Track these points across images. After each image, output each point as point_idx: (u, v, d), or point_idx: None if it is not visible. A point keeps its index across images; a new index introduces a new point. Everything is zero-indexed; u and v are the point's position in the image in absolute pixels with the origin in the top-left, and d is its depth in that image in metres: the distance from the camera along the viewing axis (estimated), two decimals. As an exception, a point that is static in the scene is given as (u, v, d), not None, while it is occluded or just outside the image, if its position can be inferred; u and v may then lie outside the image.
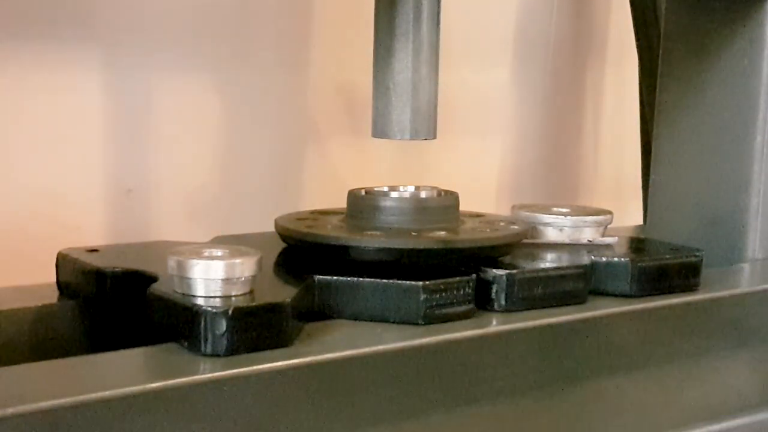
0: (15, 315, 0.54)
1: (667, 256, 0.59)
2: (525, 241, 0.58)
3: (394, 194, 0.58)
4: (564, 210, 0.62)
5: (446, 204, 0.58)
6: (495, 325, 0.52)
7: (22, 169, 0.74)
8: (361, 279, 0.50)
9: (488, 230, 0.56)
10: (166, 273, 0.47)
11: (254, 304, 0.45)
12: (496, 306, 0.53)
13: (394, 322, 0.50)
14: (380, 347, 0.47)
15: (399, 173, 0.90)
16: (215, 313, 0.43)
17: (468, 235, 0.55)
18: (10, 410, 0.36)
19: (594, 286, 0.57)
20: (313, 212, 0.60)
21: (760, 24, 0.69)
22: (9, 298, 0.55)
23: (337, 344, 0.47)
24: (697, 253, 0.60)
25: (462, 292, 0.51)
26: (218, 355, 0.43)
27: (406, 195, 0.58)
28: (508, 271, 0.53)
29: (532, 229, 0.61)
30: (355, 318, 0.50)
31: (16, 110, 0.73)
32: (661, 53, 0.76)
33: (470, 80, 0.97)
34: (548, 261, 0.57)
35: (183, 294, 0.45)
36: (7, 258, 0.71)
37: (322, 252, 0.53)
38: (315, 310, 0.50)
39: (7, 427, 0.36)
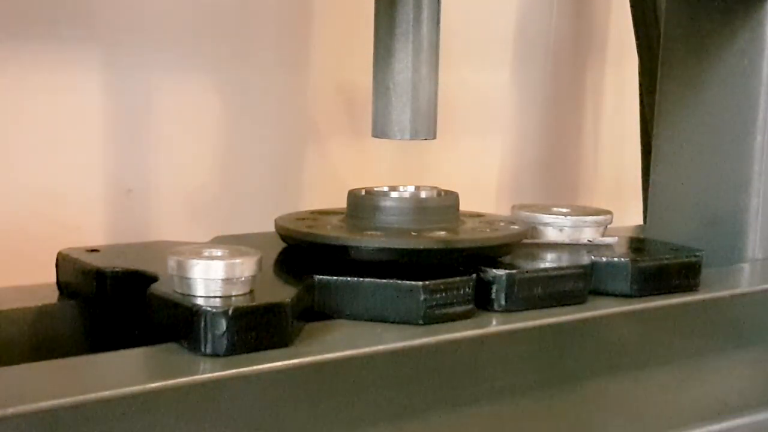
0: (15, 315, 0.54)
1: (667, 256, 0.59)
2: (525, 241, 0.58)
3: (394, 194, 0.58)
4: (564, 210, 0.62)
5: (446, 204, 0.58)
6: (495, 325, 0.52)
7: (22, 169, 0.74)
8: (361, 279, 0.50)
9: (488, 230, 0.56)
10: (166, 273, 0.47)
11: (254, 304, 0.45)
12: (496, 306, 0.53)
13: (394, 322, 0.50)
14: (380, 347, 0.47)
15: (399, 173, 0.90)
16: (215, 313, 0.43)
17: (468, 235, 0.55)
18: (10, 410, 0.36)
19: (594, 286, 0.57)
20: (313, 212, 0.60)
21: (760, 24, 0.69)
22: (9, 298, 0.55)
23: (337, 344, 0.47)
24: (697, 253, 0.60)
25: (462, 292, 0.51)
26: (218, 355, 0.43)
27: (406, 195, 0.58)
28: (508, 271, 0.53)
29: (532, 229, 0.61)
30: (355, 318, 0.50)
31: (16, 110, 0.73)
32: (661, 53, 0.76)
33: (470, 80, 0.97)
34: (548, 261, 0.57)
35: (183, 294, 0.45)
36: (7, 258, 0.71)
37: (322, 252, 0.53)
38: (315, 310, 0.50)
39: (7, 427, 0.36)
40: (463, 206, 0.59)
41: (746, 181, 0.70)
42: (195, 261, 0.45)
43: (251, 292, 0.46)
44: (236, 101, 0.84)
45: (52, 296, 0.57)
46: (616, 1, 1.07)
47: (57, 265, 0.57)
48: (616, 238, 0.62)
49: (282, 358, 0.44)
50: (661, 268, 0.59)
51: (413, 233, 0.54)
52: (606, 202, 0.96)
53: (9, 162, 0.73)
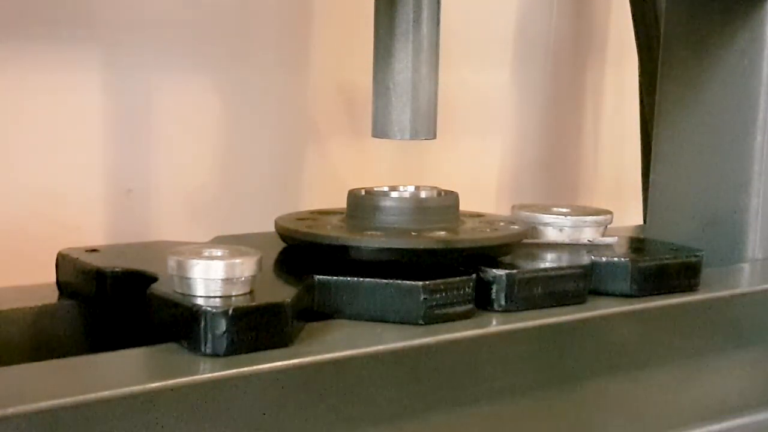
0: (15, 315, 0.54)
1: (667, 256, 0.59)
2: (525, 241, 0.58)
3: (394, 194, 0.58)
4: (564, 210, 0.62)
5: (446, 204, 0.58)
6: (495, 325, 0.52)
7: (22, 169, 0.74)
8: (361, 279, 0.50)
9: (488, 230, 0.56)
10: (166, 273, 0.47)
11: (254, 304, 0.45)
12: (496, 306, 0.53)
13: (394, 322, 0.50)
14: (380, 347, 0.47)
15: (399, 173, 0.90)
16: (215, 313, 0.43)
17: (468, 235, 0.55)
18: (10, 410, 0.36)
19: (594, 286, 0.57)
20: (313, 212, 0.60)
21: (760, 24, 0.69)
22: (9, 298, 0.55)
23: (337, 344, 0.47)
24: (697, 253, 0.60)
25: (462, 292, 0.51)
26: (218, 355, 0.43)
27: (406, 195, 0.58)
28: (508, 271, 0.53)
29: (532, 229, 0.61)
30: (355, 318, 0.50)
31: (16, 110, 0.73)
32: (661, 53, 0.76)
33: (470, 80, 0.97)
34: (548, 261, 0.57)
35: (183, 294, 0.45)
36: (7, 258, 0.71)
37: (322, 252, 0.53)
38: (315, 310, 0.50)
39: (7, 427, 0.36)
40: (463, 206, 0.59)
41: (746, 181, 0.70)
42: (195, 261, 0.45)
43: (251, 292, 0.46)
44: (236, 101, 0.84)
45: (52, 296, 0.57)
46: (616, 1, 1.07)
47: (57, 265, 0.57)
48: (616, 238, 0.62)
49: (282, 358, 0.44)
50: (661, 268, 0.59)
51: (413, 233, 0.54)
52: (606, 202, 0.96)
53: (9, 162, 0.73)
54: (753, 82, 0.70)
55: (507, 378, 0.51)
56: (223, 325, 0.43)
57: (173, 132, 0.80)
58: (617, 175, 1.12)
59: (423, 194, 0.59)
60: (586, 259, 0.58)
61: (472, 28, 0.96)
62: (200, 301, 0.44)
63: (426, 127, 0.57)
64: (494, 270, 0.53)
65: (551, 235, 0.61)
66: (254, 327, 0.44)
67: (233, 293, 0.45)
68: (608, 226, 0.63)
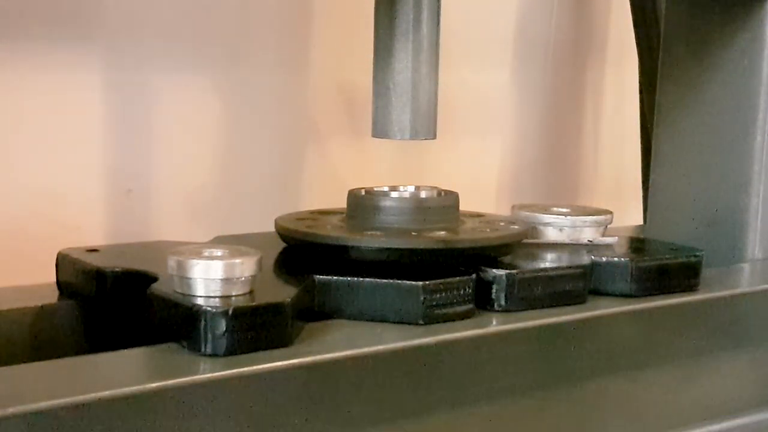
0: (15, 315, 0.54)
1: (667, 256, 0.59)
2: (525, 241, 0.58)
3: (394, 194, 0.58)
4: (564, 210, 0.62)
5: (446, 204, 0.58)
6: (495, 325, 0.52)
7: (22, 169, 0.74)
8: (360, 279, 0.50)
9: (488, 230, 0.56)
10: (166, 273, 0.47)
11: (254, 304, 0.45)
12: (496, 306, 0.53)
13: (393, 322, 0.50)
14: (380, 347, 0.47)
15: (399, 173, 0.90)
16: (215, 313, 0.43)
17: (468, 235, 0.55)
18: (10, 410, 0.36)
19: (594, 286, 0.57)
20: (313, 212, 0.60)
21: (760, 24, 0.69)
22: (9, 298, 0.55)
23: (337, 344, 0.47)
24: (697, 253, 0.60)
25: (462, 292, 0.51)
26: (218, 355, 0.43)
27: (406, 195, 0.58)
28: (508, 271, 0.53)
29: (532, 229, 0.61)
30: (355, 318, 0.50)
31: (16, 110, 0.73)
32: (661, 53, 0.76)
33: (470, 80, 0.97)
34: (548, 261, 0.57)
35: (183, 294, 0.45)
36: (7, 258, 0.71)
37: (322, 252, 0.53)
38: (315, 310, 0.50)
39: (7, 427, 0.36)
40: (463, 206, 0.59)
41: (746, 181, 0.70)
42: (195, 261, 0.45)
43: (251, 292, 0.46)
44: (236, 101, 0.84)
45: (52, 296, 0.57)
46: (616, 1, 1.07)
47: (57, 265, 0.57)
48: (616, 238, 0.62)
49: (282, 358, 0.44)
50: (661, 268, 0.59)
51: (413, 233, 0.54)
52: (606, 202, 0.96)
53: (9, 162, 0.73)
54: (753, 82, 0.70)
55: (507, 378, 0.51)
56: (223, 325, 0.43)
57: (173, 132, 0.80)
58: (617, 175, 1.12)
59: (423, 194, 0.59)
60: (586, 259, 0.58)
61: (472, 28, 0.96)
62: (200, 301, 0.44)
63: (426, 127, 0.57)
64: (494, 270, 0.53)
65: (551, 235, 0.61)
66: (254, 327, 0.44)
67: (233, 293, 0.45)
68: (608, 226, 0.63)
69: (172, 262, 0.46)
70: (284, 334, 0.45)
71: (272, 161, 0.86)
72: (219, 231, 0.62)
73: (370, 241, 0.53)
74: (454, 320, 0.51)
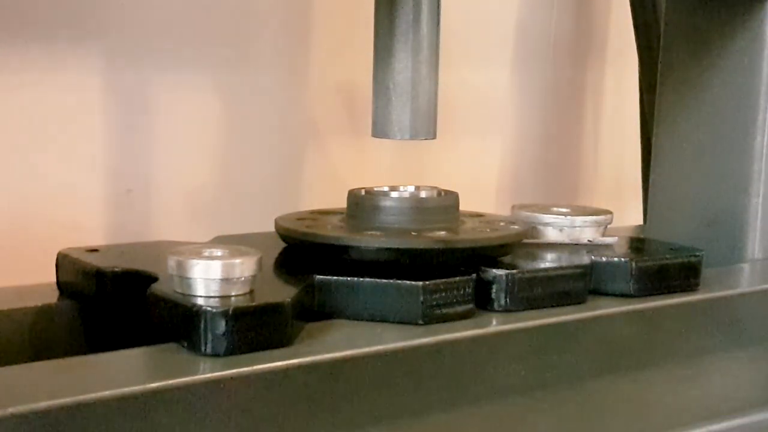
0: (15, 315, 0.54)
1: (667, 256, 0.59)
2: (525, 241, 0.58)
3: (394, 194, 0.58)
4: (564, 210, 0.62)
5: (446, 204, 0.58)
6: (495, 325, 0.52)
7: (23, 169, 0.74)
8: (360, 279, 0.50)
9: (488, 230, 0.56)
10: (166, 273, 0.47)
11: (254, 304, 0.45)
12: (496, 306, 0.53)
13: (393, 322, 0.50)
14: (380, 347, 0.47)
15: (399, 173, 0.90)
16: (215, 313, 0.43)
17: (468, 235, 0.55)
18: (10, 410, 0.36)
19: (594, 286, 0.57)
20: (313, 212, 0.60)
21: (760, 24, 0.69)
22: (9, 298, 0.55)
23: (337, 344, 0.47)
24: (697, 253, 0.60)
25: (462, 292, 0.51)
26: (218, 355, 0.43)
27: (406, 195, 0.58)
28: (508, 271, 0.53)
29: (532, 229, 0.61)
30: (355, 318, 0.50)
31: (16, 110, 0.73)
32: (661, 53, 0.76)
33: (470, 80, 0.97)
34: (548, 261, 0.57)
35: (183, 294, 0.45)
36: (7, 258, 0.71)
37: (322, 252, 0.53)
38: (315, 310, 0.50)
39: (7, 427, 0.36)
40: (463, 206, 0.59)
41: (746, 181, 0.70)
42: (195, 261, 0.45)
43: (251, 292, 0.46)
44: (236, 101, 0.84)
45: (52, 296, 0.57)
46: (616, 1, 1.07)
47: (57, 265, 0.57)
48: (616, 238, 0.62)
49: (282, 358, 0.44)
50: (661, 268, 0.59)
51: (413, 233, 0.54)
52: (606, 202, 0.96)
53: (9, 162, 0.73)
54: (753, 82, 0.70)
55: (507, 378, 0.51)
56: (223, 325, 0.43)
57: (173, 132, 0.80)
58: (617, 175, 1.12)
59: (423, 194, 0.59)
60: (586, 259, 0.58)
61: (472, 28, 0.96)
62: (200, 301, 0.44)
63: (426, 127, 0.57)
64: (494, 270, 0.53)
65: (551, 235, 0.61)
66: (254, 327, 0.44)
67: (233, 293, 0.45)
68: (608, 226, 0.63)
69: (172, 262, 0.46)
70: (284, 334, 0.45)
71: (272, 161, 0.86)
72: (219, 231, 0.62)
73: (370, 241, 0.53)
74: (454, 320, 0.51)
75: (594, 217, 0.62)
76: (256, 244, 0.49)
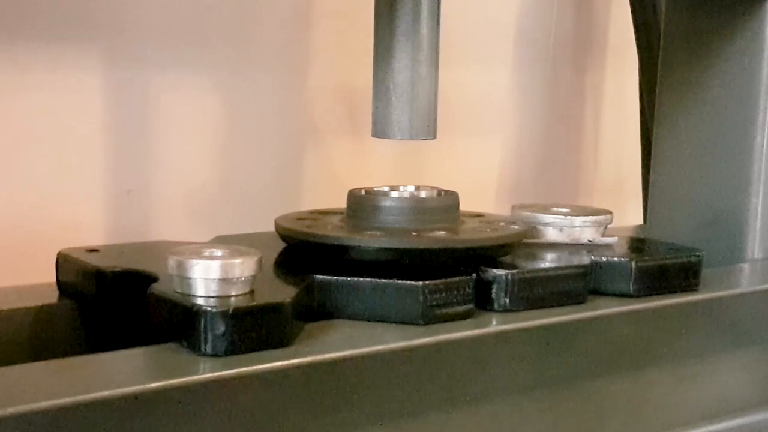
0: (15, 315, 0.54)
1: (667, 256, 0.59)
2: (525, 241, 0.58)
3: (394, 194, 0.58)
4: (564, 210, 0.62)
5: (446, 204, 0.58)
6: (495, 325, 0.52)
7: (23, 169, 0.74)
8: (360, 279, 0.50)
9: (488, 230, 0.56)
10: (166, 273, 0.47)
11: (254, 304, 0.45)
12: (496, 306, 0.53)
13: (393, 322, 0.50)
14: (380, 347, 0.47)
15: (399, 173, 0.90)
16: (215, 313, 0.43)
17: (468, 235, 0.55)
18: (10, 410, 0.36)
19: (594, 286, 0.57)
20: (313, 212, 0.60)
21: (760, 24, 0.69)
22: (9, 298, 0.55)
23: (337, 344, 0.47)
24: (697, 253, 0.60)
25: (462, 292, 0.51)
26: (218, 355, 0.43)
27: (406, 195, 0.58)
28: (508, 271, 0.53)
29: (532, 229, 0.61)
30: (355, 318, 0.50)
31: (16, 110, 0.73)
32: (661, 53, 0.76)
33: (470, 80, 0.97)
34: (548, 261, 0.57)
35: (183, 294, 0.45)
36: (7, 258, 0.71)
37: (322, 252, 0.53)
38: (315, 310, 0.50)
39: (7, 427, 0.36)
40: (463, 206, 0.59)
41: (746, 181, 0.70)
42: (195, 261, 0.45)
43: (251, 292, 0.46)
44: (236, 101, 0.84)
45: (52, 296, 0.57)
46: (616, 1, 1.07)
47: (57, 265, 0.57)
48: (616, 238, 0.62)
49: (282, 358, 0.44)
50: (661, 268, 0.59)
51: (413, 233, 0.54)
52: (606, 202, 0.96)
53: (9, 162, 0.73)
54: (753, 82, 0.70)
55: (507, 378, 0.51)
56: (222, 325, 0.43)
57: (173, 132, 0.80)
58: (617, 175, 1.12)
59: (423, 194, 0.59)
60: (586, 259, 0.58)
61: (472, 28, 0.96)
62: (200, 301, 0.44)
63: (426, 127, 0.57)
64: (494, 270, 0.53)
65: (551, 235, 0.61)
66: (254, 327, 0.44)
67: (233, 293, 0.45)
68: (608, 226, 0.63)
69: (172, 262, 0.46)
70: (284, 334, 0.45)
71: (272, 161, 0.86)
72: (219, 231, 0.62)
73: (370, 241, 0.53)
74: (454, 320, 0.51)
75: (594, 217, 0.62)
76: (256, 244, 0.49)
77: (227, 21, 0.82)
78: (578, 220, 0.61)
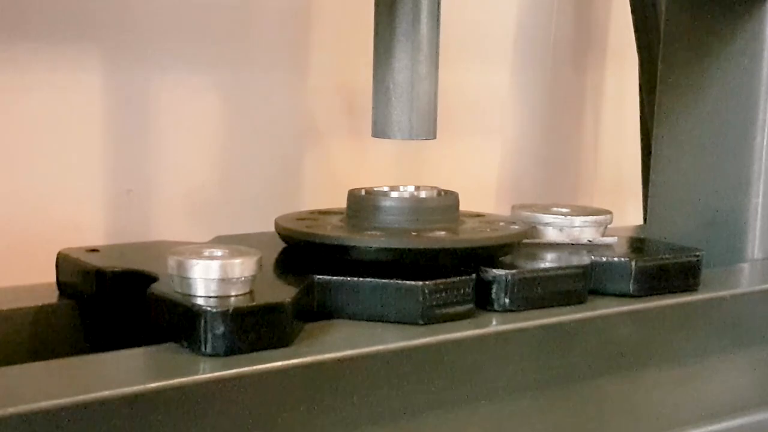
0: (15, 315, 0.54)
1: (667, 256, 0.59)
2: (525, 241, 0.58)
3: (394, 194, 0.58)
4: (564, 210, 0.62)
5: (446, 204, 0.58)
6: (495, 325, 0.52)
7: (23, 169, 0.74)
8: (360, 279, 0.50)
9: (488, 230, 0.56)
10: (166, 273, 0.47)
11: (254, 304, 0.45)
12: (496, 306, 0.53)
13: (393, 322, 0.50)
14: (380, 347, 0.47)
15: (399, 173, 0.90)
16: (215, 313, 0.43)
17: (468, 235, 0.55)
18: (10, 410, 0.36)
19: (594, 286, 0.57)
20: (313, 212, 0.60)
21: (760, 24, 0.69)
22: (9, 298, 0.55)
23: (337, 344, 0.47)
24: (697, 253, 0.60)
25: (462, 292, 0.51)
26: (218, 355, 0.43)
27: (406, 195, 0.58)
28: (508, 271, 0.53)
29: (532, 229, 0.61)
30: (355, 318, 0.50)
31: (16, 110, 0.73)
32: (661, 53, 0.76)
33: (470, 80, 0.97)
34: (548, 261, 0.57)
35: (183, 294, 0.45)
36: (7, 258, 0.71)
37: (322, 252, 0.53)
38: (315, 310, 0.50)
39: (7, 427, 0.36)
40: (463, 206, 0.59)
41: (746, 181, 0.70)
42: (195, 261, 0.45)
43: (251, 292, 0.46)
44: (236, 101, 0.84)
45: (52, 296, 0.57)
46: (616, 1, 1.07)
47: (57, 265, 0.57)
48: (616, 238, 0.62)
49: (282, 358, 0.44)
50: (661, 268, 0.59)
51: (413, 233, 0.54)
52: (606, 202, 0.96)
53: (9, 161, 0.73)
54: (753, 82, 0.70)
55: (507, 378, 0.51)
56: (222, 325, 0.43)
57: (173, 132, 0.80)
58: (617, 175, 1.12)
59: (423, 194, 0.59)
60: (586, 259, 0.58)
61: (472, 28, 0.96)
62: (200, 301, 0.44)
63: (426, 127, 0.57)
64: (494, 270, 0.53)
65: (551, 235, 0.61)
66: (254, 327, 0.44)
67: (233, 293, 0.45)
68: (608, 226, 0.63)
69: (172, 262, 0.46)
70: (284, 334, 0.45)
71: (272, 161, 0.86)
72: (219, 231, 0.62)
73: (370, 241, 0.53)
74: (454, 320, 0.51)
75: (594, 217, 0.62)
76: (256, 244, 0.49)
77: (227, 21, 0.82)
78: (578, 220, 0.61)
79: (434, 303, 0.50)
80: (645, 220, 0.83)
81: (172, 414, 0.40)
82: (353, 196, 0.58)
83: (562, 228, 0.61)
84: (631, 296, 0.57)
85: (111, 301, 0.54)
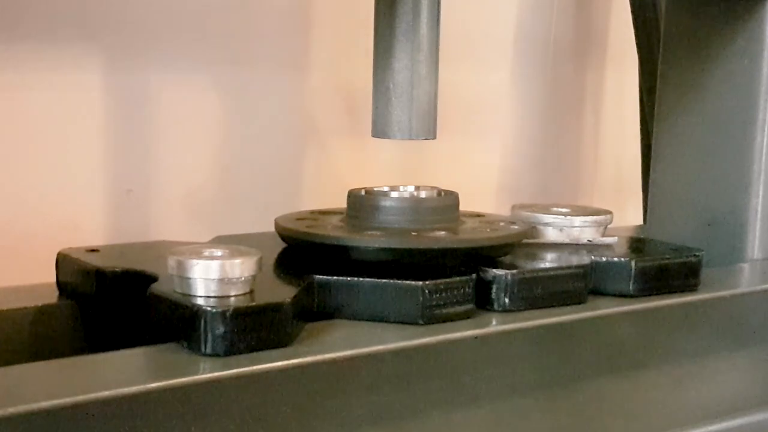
0: (15, 315, 0.54)
1: (667, 256, 0.59)
2: (525, 241, 0.58)
3: (394, 194, 0.58)
4: (564, 210, 0.62)
5: (446, 204, 0.58)
6: (495, 325, 0.52)
7: (23, 169, 0.74)
8: (360, 279, 0.50)
9: (488, 230, 0.56)
10: (166, 273, 0.47)
11: (254, 304, 0.45)
12: (496, 306, 0.53)
13: (393, 322, 0.50)
14: (380, 347, 0.47)
15: (399, 173, 0.90)
16: (215, 313, 0.43)
17: (468, 235, 0.55)
18: (10, 410, 0.36)
19: (594, 286, 0.57)
20: (313, 212, 0.60)
21: (760, 24, 0.69)
22: (9, 298, 0.55)
23: (337, 344, 0.47)
24: (697, 253, 0.60)
25: (462, 292, 0.51)
26: (218, 355, 0.43)
27: (406, 195, 0.58)
28: (508, 271, 0.53)
29: (532, 229, 0.61)
30: (355, 318, 0.50)
31: (17, 110, 0.73)
32: (661, 53, 0.76)
33: (470, 80, 0.97)
34: (548, 261, 0.57)
35: (183, 294, 0.45)
36: (7, 258, 0.71)
37: (322, 252, 0.53)
38: (315, 310, 0.50)
39: (7, 427, 0.36)
40: (463, 206, 0.59)
41: (746, 181, 0.70)
42: (195, 261, 0.45)
43: (251, 292, 0.46)
44: (236, 101, 0.84)
45: (52, 296, 0.57)
46: (616, 1, 1.07)
47: (57, 265, 0.57)
48: (616, 238, 0.62)
49: (282, 358, 0.44)
50: (661, 268, 0.59)
51: (413, 233, 0.54)
52: (606, 201, 0.96)
53: (9, 161, 0.73)
54: (753, 82, 0.70)
55: (507, 378, 0.51)
56: (222, 325, 0.43)
57: (173, 132, 0.80)
58: (617, 175, 1.12)
59: (423, 194, 0.59)
60: (586, 259, 0.58)
61: (471, 28, 0.96)
62: (200, 301, 0.44)
63: (426, 127, 0.57)
64: (494, 270, 0.53)
65: (551, 235, 0.61)
66: (254, 327, 0.44)
67: (233, 293, 0.45)
68: (608, 226, 0.63)
69: (172, 262, 0.46)
70: (284, 334, 0.45)
71: (272, 161, 0.86)
72: (219, 231, 0.62)
73: (370, 241, 0.53)
74: (454, 320, 0.51)
75: (594, 217, 0.62)
76: (256, 244, 0.49)
77: (227, 21, 0.82)
78: (578, 220, 0.61)
79: (434, 303, 0.50)
80: (645, 220, 0.83)
81: (172, 414, 0.40)
82: (353, 196, 0.58)
83: (562, 228, 0.61)
84: (631, 296, 0.57)
85: (111, 301, 0.54)
